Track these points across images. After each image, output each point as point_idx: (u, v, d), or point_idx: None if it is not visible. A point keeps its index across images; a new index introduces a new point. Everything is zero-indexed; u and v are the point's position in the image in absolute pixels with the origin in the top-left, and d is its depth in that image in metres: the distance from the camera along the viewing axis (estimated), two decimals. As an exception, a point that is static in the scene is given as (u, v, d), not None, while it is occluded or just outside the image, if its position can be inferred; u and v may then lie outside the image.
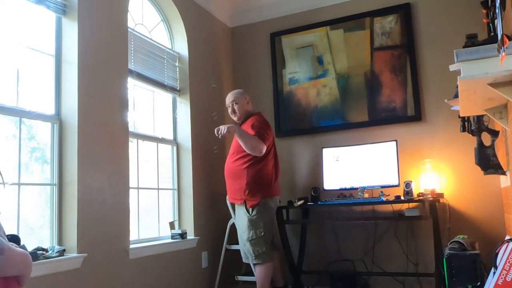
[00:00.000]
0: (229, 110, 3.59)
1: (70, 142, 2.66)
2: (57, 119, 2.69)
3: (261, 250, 3.30)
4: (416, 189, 3.55)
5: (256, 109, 3.76)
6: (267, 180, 3.39)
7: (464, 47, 1.85)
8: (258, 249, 3.30)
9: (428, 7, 3.87)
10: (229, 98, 3.59)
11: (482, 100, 2.13)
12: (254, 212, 3.32)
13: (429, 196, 3.36)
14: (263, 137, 3.31)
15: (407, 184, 3.48)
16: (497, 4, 1.72)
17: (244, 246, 3.38)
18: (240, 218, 3.42)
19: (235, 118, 3.60)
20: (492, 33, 2.39)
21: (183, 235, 3.49)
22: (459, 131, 2.96)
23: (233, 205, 3.62)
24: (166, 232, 3.54)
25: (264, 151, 3.30)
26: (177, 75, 3.86)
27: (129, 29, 3.23)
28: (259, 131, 3.32)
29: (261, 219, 3.32)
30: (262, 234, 3.30)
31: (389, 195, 3.52)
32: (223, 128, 3.28)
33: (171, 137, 3.80)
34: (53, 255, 2.40)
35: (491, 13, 2.50)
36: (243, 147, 3.30)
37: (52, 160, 2.65)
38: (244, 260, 3.44)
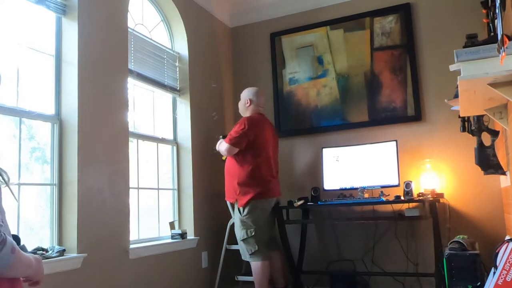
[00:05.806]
0: None
1: (70, 142, 2.66)
2: (57, 119, 2.69)
3: (254, 249, 3.36)
4: (416, 189, 3.55)
5: (255, 111, 3.68)
6: (258, 180, 3.42)
7: (464, 47, 1.84)
8: (251, 248, 3.37)
9: (428, 7, 3.87)
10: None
11: (482, 100, 2.13)
12: (245, 212, 3.40)
13: (429, 196, 3.36)
14: (233, 139, 3.41)
15: (407, 184, 3.48)
16: (497, 4, 1.72)
17: (240, 245, 3.47)
18: (236, 217, 3.52)
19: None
20: (492, 33, 2.39)
21: (183, 235, 3.49)
22: (459, 131, 2.96)
23: (232, 205, 3.65)
24: (166, 232, 3.54)
25: (234, 152, 3.43)
26: (177, 75, 3.86)
27: (129, 29, 3.23)
28: (230, 133, 3.49)
29: (250, 219, 3.39)
30: (253, 234, 3.37)
31: (389, 195, 3.52)
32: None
33: (171, 137, 3.80)
34: (53, 255, 2.40)
35: (491, 13, 2.50)
36: None
37: (52, 160, 2.65)
38: (243, 258, 3.51)
